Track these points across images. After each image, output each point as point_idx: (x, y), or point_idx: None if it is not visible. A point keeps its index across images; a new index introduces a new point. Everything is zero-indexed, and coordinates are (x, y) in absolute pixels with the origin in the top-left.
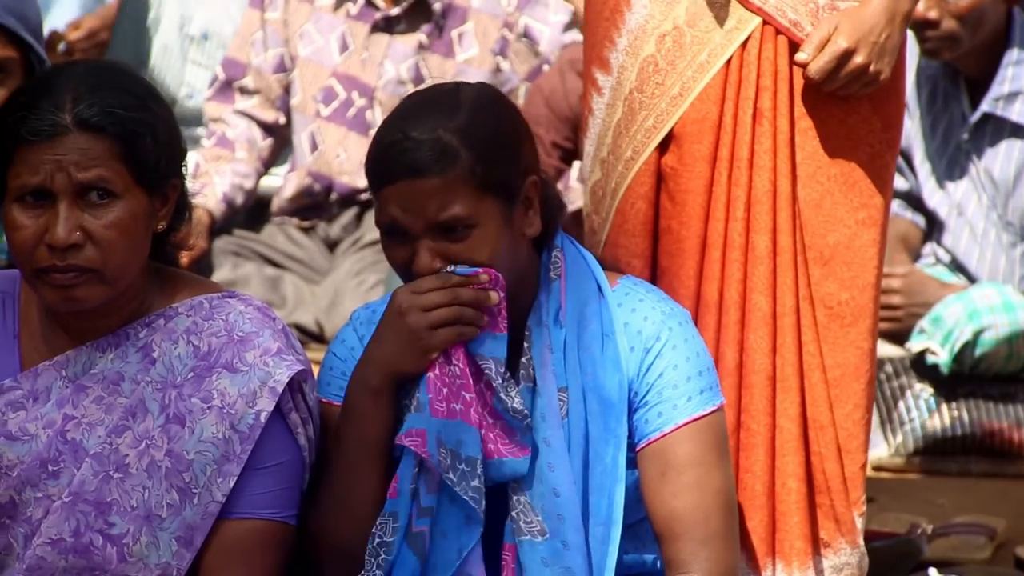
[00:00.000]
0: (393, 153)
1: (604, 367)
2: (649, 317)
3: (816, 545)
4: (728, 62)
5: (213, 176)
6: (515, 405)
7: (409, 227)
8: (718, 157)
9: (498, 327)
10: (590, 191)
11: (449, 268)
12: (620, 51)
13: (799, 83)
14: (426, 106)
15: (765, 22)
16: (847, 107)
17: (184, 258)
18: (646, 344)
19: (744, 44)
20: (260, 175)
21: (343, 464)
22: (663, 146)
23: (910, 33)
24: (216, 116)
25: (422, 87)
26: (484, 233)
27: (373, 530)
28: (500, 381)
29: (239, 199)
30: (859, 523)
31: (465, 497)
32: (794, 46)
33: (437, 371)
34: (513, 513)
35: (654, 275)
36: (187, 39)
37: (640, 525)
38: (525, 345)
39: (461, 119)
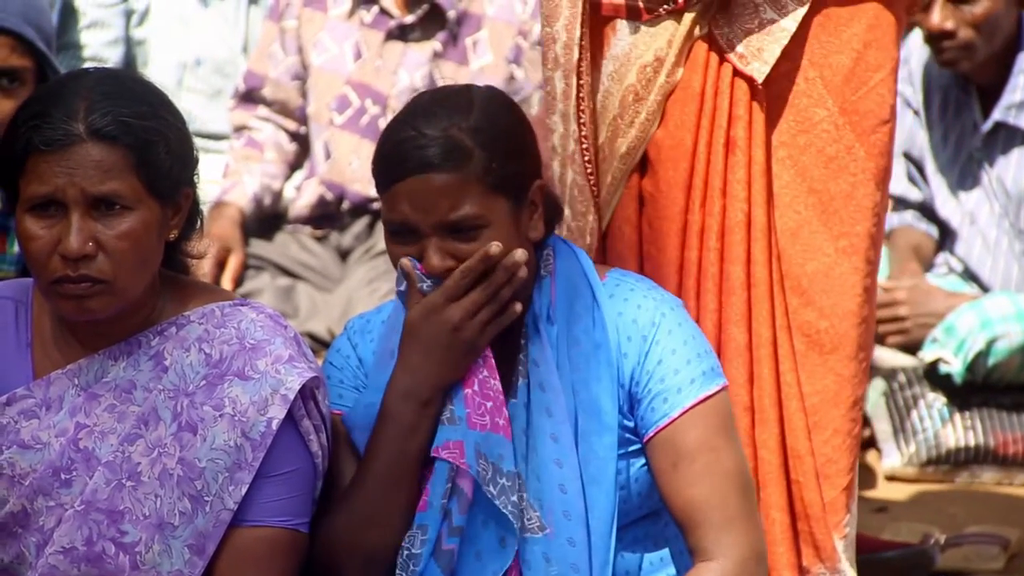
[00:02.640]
0: (405, 149)
1: (596, 360)
2: (642, 305)
3: (800, 573)
4: (703, 90)
5: (243, 175)
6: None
7: (419, 225)
8: (692, 185)
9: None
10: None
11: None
12: (606, 76)
13: (778, 110)
14: (438, 104)
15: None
16: (827, 136)
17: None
18: (643, 331)
19: (719, 70)
20: (287, 177)
21: (381, 474)
22: (642, 171)
23: (923, 48)
24: (242, 124)
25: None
26: (494, 234)
27: (403, 543)
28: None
29: (267, 199)
30: (840, 547)
31: (505, 511)
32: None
33: (477, 387)
34: None
35: None
36: (181, 66)
37: (641, 526)
38: (523, 342)
39: (474, 119)
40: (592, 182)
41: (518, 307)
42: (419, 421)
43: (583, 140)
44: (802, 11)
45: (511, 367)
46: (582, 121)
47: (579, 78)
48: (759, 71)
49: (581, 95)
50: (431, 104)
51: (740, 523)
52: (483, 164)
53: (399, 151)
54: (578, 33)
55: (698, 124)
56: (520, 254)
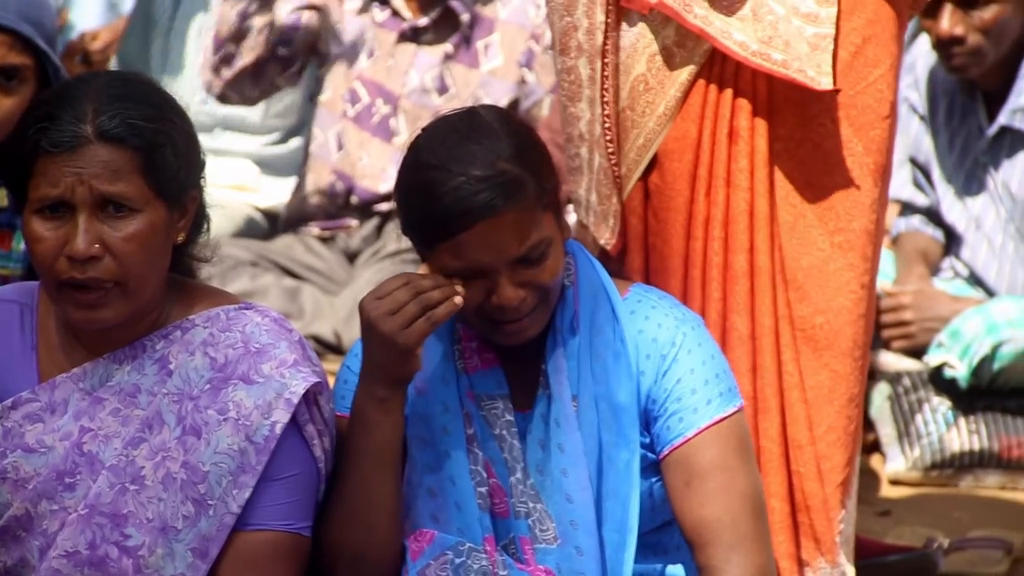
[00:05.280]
0: (462, 197)
1: (617, 374)
2: (663, 324)
3: (799, 565)
4: (707, 80)
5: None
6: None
7: (490, 266)
8: (697, 176)
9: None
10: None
11: None
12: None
13: (777, 103)
14: (463, 140)
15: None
16: (824, 131)
17: None
18: (662, 350)
19: (723, 61)
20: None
21: (355, 474)
22: (648, 164)
23: (929, 54)
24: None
25: (433, 120)
26: (555, 249)
27: None
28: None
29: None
30: (839, 541)
31: None
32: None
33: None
34: (529, 521)
35: None
36: (204, 46)
37: (655, 535)
38: (547, 349)
39: (509, 144)
40: (613, 162)
41: (457, 300)
42: (377, 418)
43: (606, 120)
44: (833, 11)
45: (535, 379)
46: (605, 100)
47: (604, 57)
48: (827, 83)
49: (606, 74)
50: (457, 143)
51: (750, 544)
52: (535, 188)
53: (457, 202)
54: (599, 17)
55: (702, 115)
56: (457, 291)
